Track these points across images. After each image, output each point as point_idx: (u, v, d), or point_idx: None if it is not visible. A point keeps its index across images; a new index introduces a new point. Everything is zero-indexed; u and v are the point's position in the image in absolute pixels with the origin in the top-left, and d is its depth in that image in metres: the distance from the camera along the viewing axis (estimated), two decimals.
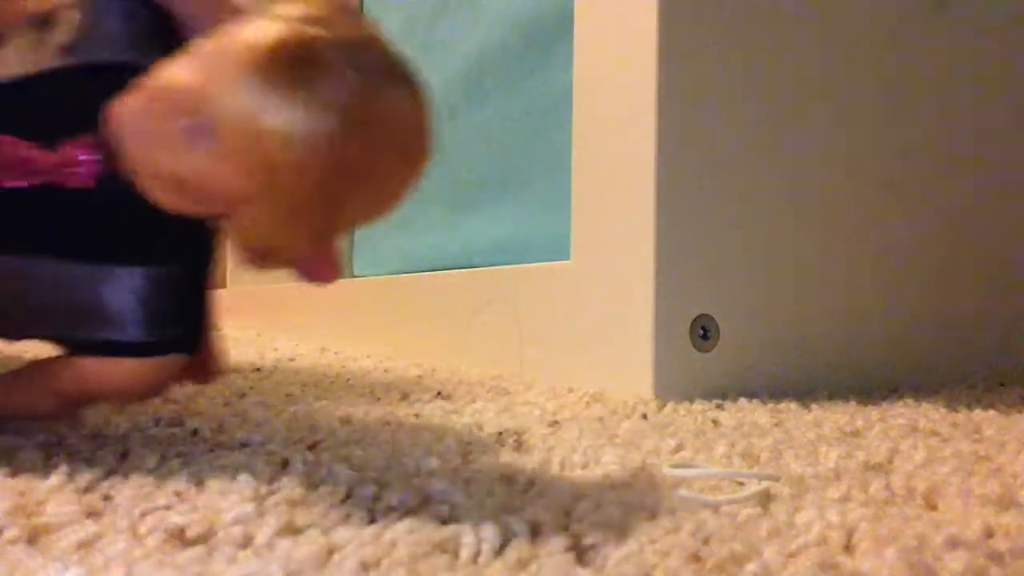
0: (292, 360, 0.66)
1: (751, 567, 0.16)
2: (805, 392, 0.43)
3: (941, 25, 0.48)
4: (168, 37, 0.24)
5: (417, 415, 0.34)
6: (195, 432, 0.30)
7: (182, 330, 0.24)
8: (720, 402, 0.40)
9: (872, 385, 0.46)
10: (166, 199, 0.22)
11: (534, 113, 0.59)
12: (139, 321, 0.23)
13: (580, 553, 0.17)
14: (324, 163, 0.19)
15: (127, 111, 0.21)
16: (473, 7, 0.69)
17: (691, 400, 0.40)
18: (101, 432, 0.29)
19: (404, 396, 0.40)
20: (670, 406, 0.38)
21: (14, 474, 0.23)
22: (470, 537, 0.17)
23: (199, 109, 0.19)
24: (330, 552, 0.17)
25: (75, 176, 0.22)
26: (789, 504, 0.21)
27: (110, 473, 0.23)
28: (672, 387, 0.41)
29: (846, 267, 0.46)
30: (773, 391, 0.43)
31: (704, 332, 0.42)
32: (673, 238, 0.41)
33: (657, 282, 0.41)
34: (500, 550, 0.17)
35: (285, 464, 0.24)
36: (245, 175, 0.19)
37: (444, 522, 0.19)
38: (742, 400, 0.40)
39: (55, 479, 0.22)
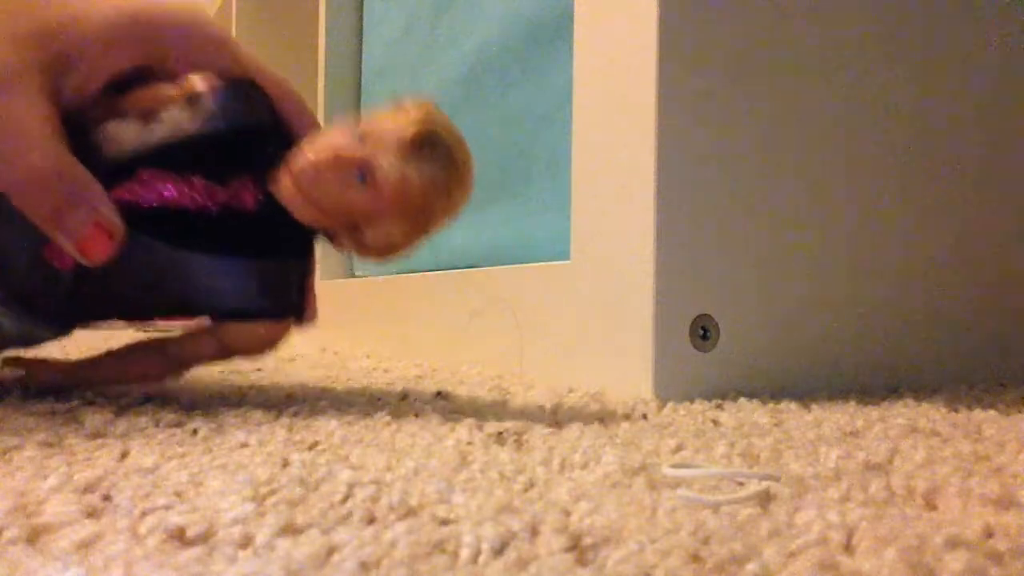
0: (292, 360, 0.66)
1: (751, 567, 0.16)
2: (805, 392, 0.43)
3: (943, 26, 0.48)
4: (264, 103, 0.35)
5: (417, 415, 0.34)
6: (195, 432, 0.30)
7: (298, 301, 0.35)
8: (720, 402, 0.40)
9: (872, 385, 0.46)
10: (316, 219, 0.33)
11: (534, 113, 0.59)
12: (276, 295, 0.34)
13: (580, 553, 0.17)
14: (427, 195, 0.33)
15: (310, 162, 0.32)
16: (473, 7, 0.69)
17: (691, 400, 0.40)
18: (101, 432, 0.29)
19: (404, 396, 0.40)
20: (670, 406, 0.38)
21: (14, 474, 0.23)
22: (470, 537, 0.17)
23: (367, 166, 0.32)
24: (330, 552, 0.17)
25: (244, 202, 0.34)
26: (789, 504, 0.21)
27: (110, 473, 0.23)
28: (672, 387, 0.41)
29: (846, 267, 0.46)
30: (773, 391, 0.43)
31: (704, 332, 0.42)
32: (673, 238, 0.41)
33: (657, 282, 0.41)
34: (500, 550, 0.17)
35: (285, 464, 0.24)
36: (388, 203, 0.32)
37: (444, 522, 0.19)
38: (742, 400, 0.40)
39: (55, 479, 0.22)
